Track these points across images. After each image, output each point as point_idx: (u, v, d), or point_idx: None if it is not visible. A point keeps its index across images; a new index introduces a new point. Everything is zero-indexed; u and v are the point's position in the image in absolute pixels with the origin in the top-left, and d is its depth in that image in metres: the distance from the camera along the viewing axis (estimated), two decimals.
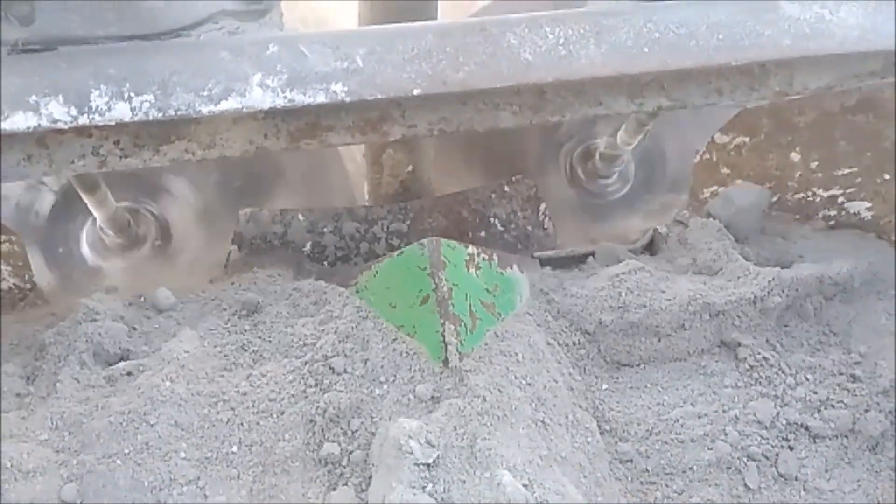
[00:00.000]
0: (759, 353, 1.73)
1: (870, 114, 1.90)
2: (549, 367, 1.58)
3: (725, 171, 2.15)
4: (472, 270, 1.61)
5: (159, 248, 2.33)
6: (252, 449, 1.46)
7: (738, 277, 1.80)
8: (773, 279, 1.77)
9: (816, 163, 2.00)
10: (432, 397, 1.46)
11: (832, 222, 2.05)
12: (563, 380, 1.58)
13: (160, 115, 1.25)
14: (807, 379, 1.72)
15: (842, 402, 1.67)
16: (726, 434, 1.60)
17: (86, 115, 1.24)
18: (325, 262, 2.02)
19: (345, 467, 1.43)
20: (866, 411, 1.65)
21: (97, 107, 1.24)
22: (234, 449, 1.46)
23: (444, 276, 1.52)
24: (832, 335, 1.84)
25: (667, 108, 1.50)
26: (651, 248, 2.03)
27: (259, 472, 1.43)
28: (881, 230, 1.99)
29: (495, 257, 1.68)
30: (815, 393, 1.68)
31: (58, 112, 1.24)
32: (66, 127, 1.24)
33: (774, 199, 2.10)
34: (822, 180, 2.02)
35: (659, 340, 1.73)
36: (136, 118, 1.25)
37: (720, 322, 1.75)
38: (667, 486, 1.57)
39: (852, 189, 2.00)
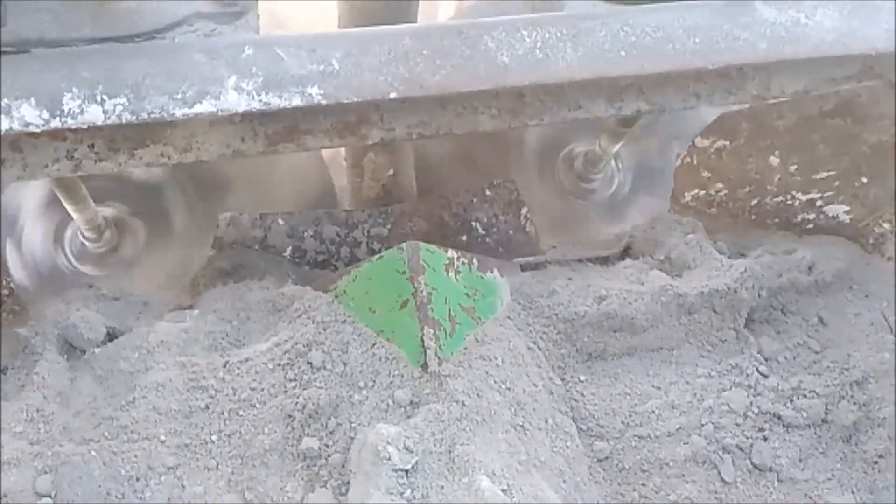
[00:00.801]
0: (730, 345, 1.75)
1: (848, 118, 1.91)
2: (529, 371, 1.57)
3: (706, 174, 2.16)
4: (452, 275, 1.60)
5: (140, 252, 2.31)
6: (231, 440, 1.46)
7: (712, 270, 1.81)
8: (745, 271, 1.78)
9: (795, 166, 2.01)
10: (411, 402, 1.45)
11: (810, 226, 2.06)
12: (542, 384, 1.58)
13: (133, 118, 1.24)
14: (779, 369, 1.74)
15: (814, 391, 1.68)
16: (701, 427, 1.61)
17: (58, 119, 1.23)
18: (306, 267, 2.01)
19: (323, 465, 1.43)
20: (839, 401, 1.66)
21: (70, 110, 1.23)
22: (213, 438, 1.46)
23: (423, 280, 1.51)
24: (805, 326, 1.86)
25: (645, 112, 1.50)
26: (628, 252, 2.03)
27: (238, 463, 1.43)
28: (859, 234, 2.01)
29: (475, 261, 1.68)
30: (787, 382, 1.70)
31: (30, 115, 1.22)
32: (38, 130, 1.23)
33: (754, 202, 2.10)
34: (800, 184, 2.03)
35: (633, 332, 1.74)
36: (108, 121, 1.23)
37: (692, 314, 1.76)
38: (643, 485, 1.57)
39: (830, 193, 2.01)
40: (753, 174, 2.08)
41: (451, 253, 1.63)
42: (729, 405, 1.64)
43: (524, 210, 2.14)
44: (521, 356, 1.58)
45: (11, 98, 1.23)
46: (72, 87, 1.23)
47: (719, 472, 1.58)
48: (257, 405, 1.50)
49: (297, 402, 1.48)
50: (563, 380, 1.68)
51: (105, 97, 1.24)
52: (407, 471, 1.31)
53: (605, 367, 1.73)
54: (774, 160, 2.04)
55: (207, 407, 1.49)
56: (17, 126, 1.21)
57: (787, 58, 1.44)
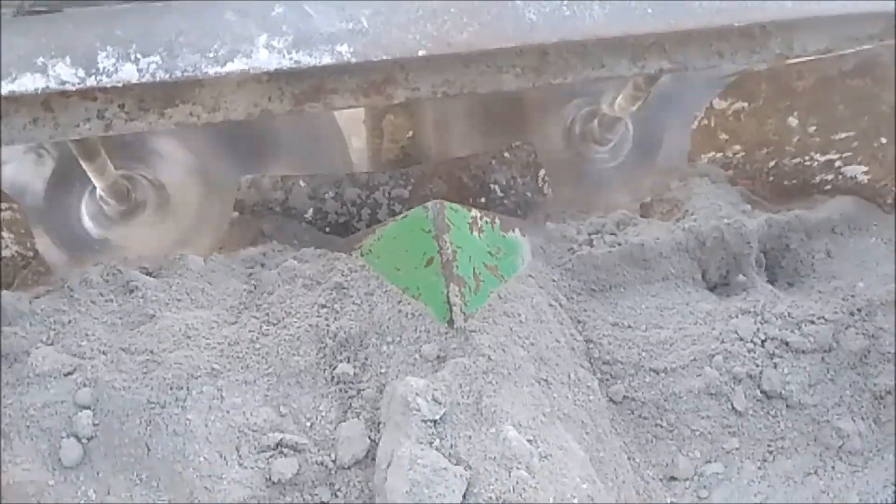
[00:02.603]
0: (739, 277, 1.80)
1: (867, 78, 1.91)
2: (552, 327, 1.60)
3: (724, 136, 2.16)
4: (476, 233, 1.63)
5: (160, 213, 2.33)
6: (267, 358, 1.52)
7: (727, 223, 1.87)
8: (755, 210, 1.87)
9: (814, 127, 2.02)
10: (438, 357, 1.49)
11: (828, 187, 2.07)
12: (564, 340, 1.61)
13: (167, 76, 1.25)
14: (787, 298, 1.78)
15: (822, 317, 1.72)
16: (712, 358, 1.65)
17: (93, 77, 1.25)
18: (327, 229, 2.03)
19: (356, 396, 1.49)
20: (846, 328, 1.71)
21: (104, 68, 1.25)
22: (250, 354, 1.53)
23: (448, 238, 1.54)
24: (812, 261, 1.91)
25: (668, 71, 1.51)
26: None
27: (273, 380, 1.49)
28: (877, 194, 2.02)
29: (498, 220, 1.70)
30: (795, 309, 1.74)
31: (65, 74, 1.24)
32: (73, 89, 1.25)
33: (772, 163, 2.11)
34: (819, 145, 2.04)
35: (646, 266, 1.80)
36: (143, 80, 1.25)
37: (704, 251, 1.82)
38: (658, 424, 1.61)
39: (849, 153, 2.02)
40: (771, 135, 2.08)
41: (475, 212, 1.65)
42: (737, 332, 1.69)
43: (542, 172, 2.15)
44: (544, 313, 1.61)
45: (47, 56, 1.24)
46: (106, 46, 1.25)
47: (732, 403, 1.62)
48: (290, 327, 1.56)
49: (328, 329, 1.55)
50: (578, 320, 1.72)
51: (139, 55, 1.25)
52: (436, 421, 1.35)
53: (619, 300, 1.78)
54: (793, 121, 2.05)
55: (242, 324, 1.56)
56: (53, 84, 1.23)
57: (812, 15, 1.44)
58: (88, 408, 1.39)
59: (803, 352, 1.68)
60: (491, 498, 1.26)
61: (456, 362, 1.43)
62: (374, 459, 1.41)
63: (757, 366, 1.66)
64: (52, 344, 1.51)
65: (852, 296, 1.77)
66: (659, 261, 1.81)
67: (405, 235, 1.61)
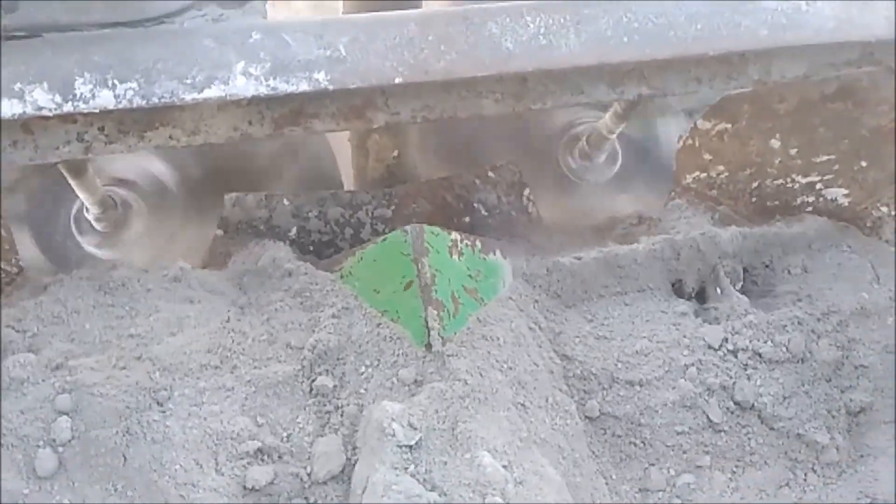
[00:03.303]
0: (715, 290, 1.84)
1: (848, 101, 1.92)
2: (531, 350, 1.61)
3: (707, 156, 2.17)
4: (455, 256, 1.63)
5: (147, 231, 2.33)
6: (245, 368, 1.54)
7: (701, 233, 1.90)
8: (738, 235, 1.88)
9: (796, 149, 2.03)
10: (415, 381, 1.49)
11: (809, 209, 2.08)
12: (543, 363, 1.61)
13: (144, 102, 1.26)
14: (760, 307, 1.81)
15: (795, 326, 1.74)
16: (686, 371, 1.66)
17: (70, 103, 1.25)
18: (311, 247, 2.04)
19: (334, 412, 1.50)
20: (818, 338, 1.73)
21: (81, 94, 1.26)
22: (228, 364, 1.54)
23: (427, 262, 1.54)
24: (787, 275, 1.92)
25: (647, 96, 1.52)
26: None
27: (251, 390, 1.50)
28: (857, 216, 2.03)
29: (478, 243, 1.71)
30: (769, 321, 1.76)
31: (42, 99, 1.25)
32: (50, 114, 1.25)
33: (755, 184, 2.12)
34: (800, 167, 2.05)
35: (620, 277, 1.82)
36: (119, 105, 1.26)
37: (679, 262, 1.85)
38: (633, 443, 1.63)
39: (830, 176, 2.03)
40: (754, 157, 2.09)
41: (455, 235, 1.66)
42: (710, 343, 1.71)
43: (527, 191, 2.16)
44: (523, 336, 1.61)
45: (25, 82, 1.25)
46: (83, 72, 1.26)
47: (707, 416, 1.63)
48: (269, 339, 1.58)
49: (307, 342, 1.56)
50: (553, 330, 1.73)
51: (116, 82, 1.26)
52: (411, 447, 1.35)
53: (594, 310, 1.79)
54: (775, 143, 2.06)
55: (222, 334, 1.58)
56: (30, 110, 1.24)
57: (788, 44, 1.46)
58: (67, 414, 1.40)
59: (776, 362, 1.69)
60: None
61: (433, 387, 1.44)
62: (349, 476, 1.41)
63: (730, 377, 1.67)
64: (30, 350, 1.52)
65: (827, 307, 1.79)
66: (634, 270, 1.83)
67: (384, 258, 1.61)
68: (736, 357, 1.71)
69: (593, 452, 1.60)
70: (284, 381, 1.52)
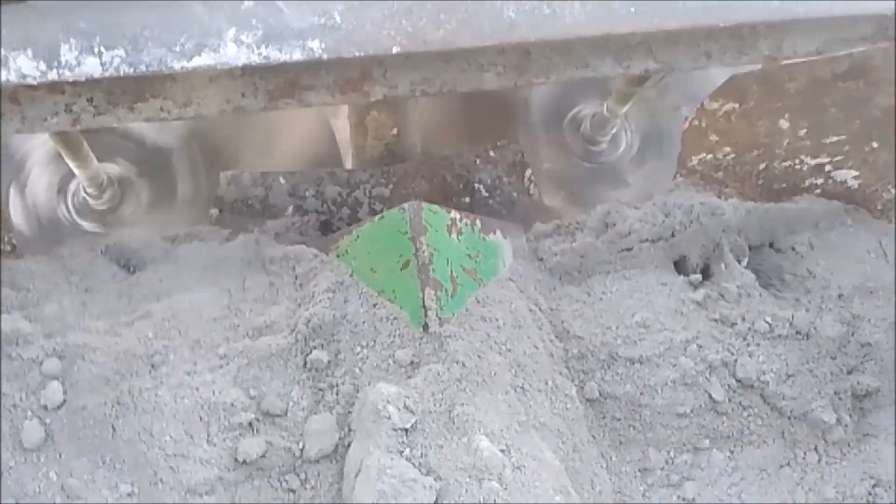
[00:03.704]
0: (719, 266, 1.79)
1: (860, 80, 1.87)
2: (530, 333, 1.57)
3: (714, 138, 2.12)
4: (454, 235, 1.59)
5: (142, 207, 2.30)
6: (238, 340, 1.51)
7: (702, 203, 1.86)
8: (742, 210, 1.84)
9: (805, 130, 1.98)
10: (412, 362, 1.45)
11: (818, 191, 2.03)
12: (543, 346, 1.57)
13: (131, 70, 1.21)
14: (764, 286, 1.77)
15: (798, 299, 1.71)
16: (686, 347, 1.62)
17: (55, 70, 1.21)
18: (307, 226, 1.99)
19: (329, 390, 1.47)
20: (822, 313, 1.69)
21: (67, 61, 1.21)
22: (222, 335, 1.51)
23: (425, 240, 1.50)
24: (793, 254, 1.88)
25: (654, 71, 1.47)
26: None
27: (244, 362, 1.47)
28: (867, 199, 1.98)
29: (478, 222, 1.66)
30: (774, 297, 1.73)
31: (26, 67, 1.20)
32: (34, 82, 1.21)
33: (762, 166, 2.07)
34: (810, 148, 2.00)
35: (621, 253, 1.78)
36: (106, 73, 1.21)
37: (682, 236, 1.80)
38: (632, 426, 1.59)
39: (840, 157, 1.98)
40: (762, 138, 2.04)
41: (454, 213, 1.61)
42: (711, 317, 1.67)
43: (528, 172, 2.11)
44: (523, 318, 1.57)
45: (8, 49, 1.20)
46: (69, 38, 1.21)
47: (709, 394, 1.59)
48: (263, 311, 1.56)
49: (301, 315, 1.52)
50: (550, 307, 1.69)
51: (102, 49, 1.21)
52: (406, 430, 1.31)
53: (593, 284, 1.75)
54: (784, 123, 2.01)
55: (216, 305, 1.56)
56: (13, 78, 1.19)
57: (801, 17, 1.40)
58: (57, 378, 1.37)
59: (780, 338, 1.66)
60: None
61: (429, 369, 1.40)
62: (341, 456, 1.39)
63: (732, 353, 1.64)
64: (23, 310, 1.49)
65: (832, 284, 1.76)
66: (636, 245, 1.79)
67: (381, 237, 1.57)
68: (738, 333, 1.67)
69: (593, 437, 1.56)
70: (278, 354, 1.49)
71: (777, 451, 1.64)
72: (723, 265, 1.79)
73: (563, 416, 1.49)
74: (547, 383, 1.51)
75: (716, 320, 1.67)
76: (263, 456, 1.38)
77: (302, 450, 1.40)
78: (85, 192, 2.23)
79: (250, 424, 1.40)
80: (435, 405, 1.36)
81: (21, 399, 1.37)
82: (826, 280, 1.77)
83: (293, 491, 1.39)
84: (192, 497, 1.33)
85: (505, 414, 1.39)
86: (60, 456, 1.33)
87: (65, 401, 1.36)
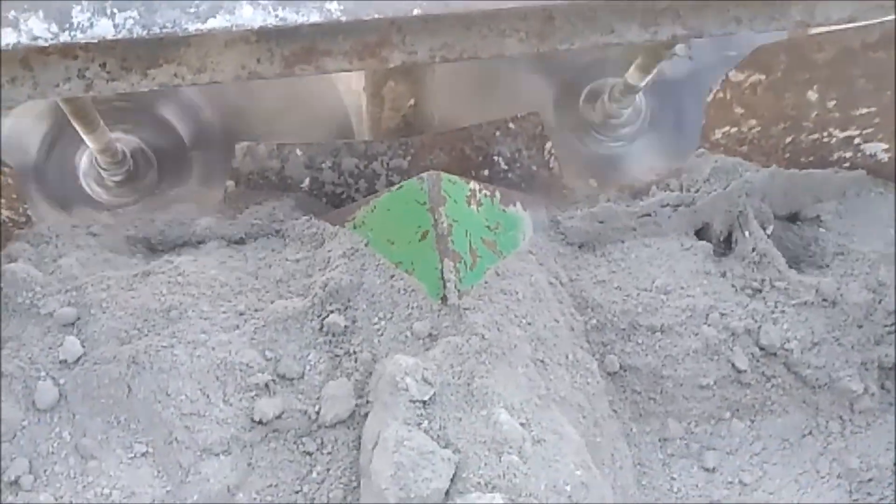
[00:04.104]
0: (744, 233, 1.75)
1: (891, 50, 1.81)
2: (551, 306, 1.54)
3: (739, 110, 2.07)
4: (474, 206, 1.56)
5: (157, 180, 2.28)
6: (253, 301, 1.51)
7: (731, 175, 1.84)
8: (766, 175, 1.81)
9: (834, 102, 1.92)
10: (430, 335, 1.43)
11: (847, 164, 1.98)
12: (563, 319, 1.54)
13: (144, 32, 1.19)
14: (787, 252, 1.75)
15: (824, 266, 1.69)
16: (708, 315, 1.59)
17: (67, 32, 1.18)
18: (324, 199, 1.97)
19: (347, 357, 1.46)
20: (848, 280, 1.66)
21: (79, 23, 1.18)
22: (238, 296, 1.51)
23: (443, 211, 1.47)
24: (818, 220, 1.85)
25: (682, 38, 1.43)
26: None
27: (260, 324, 1.47)
28: None
29: (497, 194, 1.63)
30: (797, 264, 1.71)
31: (38, 28, 1.18)
32: (46, 44, 1.18)
33: (789, 139, 2.02)
34: (838, 120, 1.94)
35: (641, 220, 1.76)
36: (119, 36, 1.18)
37: (705, 203, 1.78)
38: (652, 398, 1.58)
39: (870, 130, 1.93)
40: (789, 110, 1.99)
41: (473, 184, 1.58)
42: (730, 281, 1.65)
43: (548, 145, 2.07)
44: (543, 291, 1.54)
45: (19, 11, 1.18)
46: (81, 0, 1.18)
47: (733, 364, 1.56)
48: (279, 276, 1.56)
49: (317, 280, 1.52)
50: (570, 277, 1.67)
51: (115, 10, 1.19)
52: (424, 402, 1.29)
53: (613, 252, 1.73)
54: (812, 95, 1.95)
55: (232, 268, 1.57)
56: (25, 40, 1.17)
57: None
58: (72, 326, 1.38)
59: (805, 304, 1.62)
60: (480, 483, 1.21)
61: (448, 341, 1.38)
62: (357, 423, 1.38)
63: (755, 321, 1.60)
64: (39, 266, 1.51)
65: (859, 251, 1.73)
66: (656, 211, 1.77)
67: (399, 207, 1.54)
68: (762, 300, 1.64)
69: (614, 411, 1.53)
70: (294, 317, 1.47)
71: (799, 420, 1.61)
72: (747, 232, 1.74)
73: (584, 391, 1.47)
74: (567, 357, 1.48)
75: (739, 287, 1.65)
76: (279, 417, 1.37)
77: (318, 413, 1.39)
78: (98, 164, 2.21)
79: (266, 386, 1.40)
80: (453, 377, 1.33)
81: (36, 354, 1.36)
82: (852, 247, 1.74)
83: (310, 454, 1.38)
84: (208, 456, 1.33)
85: (525, 387, 1.36)
86: (74, 416, 1.33)
87: (83, 354, 1.35)
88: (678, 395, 1.57)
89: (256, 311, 1.48)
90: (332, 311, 1.48)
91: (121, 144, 2.19)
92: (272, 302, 1.50)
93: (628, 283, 1.64)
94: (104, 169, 2.21)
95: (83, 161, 2.29)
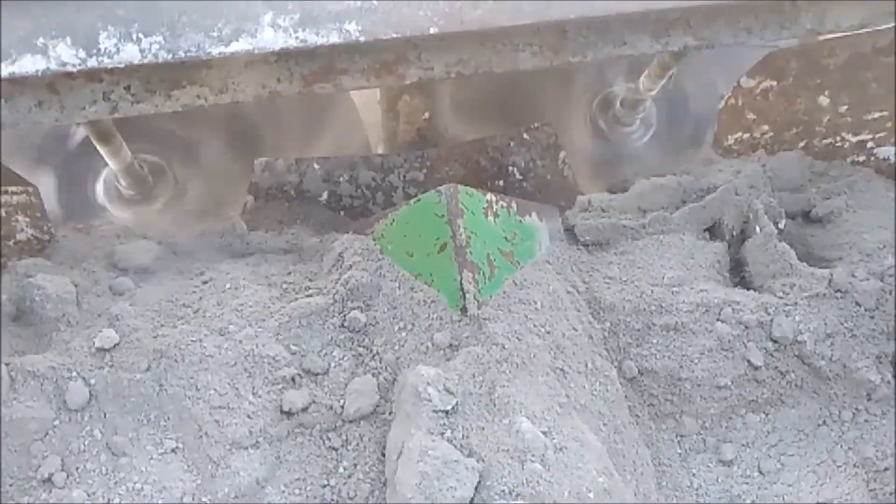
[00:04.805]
0: (749, 228, 1.79)
1: None
2: (569, 315, 1.55)
3: (751, 116, 2.08)
4: (491, 218, 1.58)
5: (174, 199, 2.31)
6: (277, 298, 1.56)
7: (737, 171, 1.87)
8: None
9: (846, 106, 1.94)
10: (450, 345, 1.45)
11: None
12: (582, 328, 1.56)
13: (170, 56, 1.22)
14: (796, 243, 1.77)
15: (837, 259, 1.69)
16: (721, 310, 1.61)
17: (94, 58, 1.22)
18: (342, 212, 2.00)
19: (370, 355, 1.49)
20: (856, 267, 1.67)
21: (106, 49, 1.22)
22: (262, 293, 1.56)
23: (461, 223, 1.49)
24: (831, 213, 1.88)
25: (693, 48, 1.45)
26: None
27: (284, 320, 1.50)
28: None
29: (514, 205, 1.65)
30: (807, 256, 1.72)
31: (66, 55, 1.21)
32: (74, 70, 1.22)
33: (801, 144, 2.03)
34: (851, 125, 1.95)
35: (650, 219, 1.79)
36: (145, 60, 1.22)
37: (714, 200, 1.80)
38: (670, 401, 1.59)
39: (882, 134, 1.94)
40: (801, 115, 2.00)
41: (490, 196, 1.60)
42: (742, 274, 1.68)
43: (562, 155, 2.09)
44: (561, 300, 1.56)
45: (48, 38, 1.21)
46: (107, 26, 1.22)
47: (748, 361, 1.58)
48: (301, 276, 1.62)
49: (339, 278, 1.56)
50: (583, 281, 1.69)
51: (141, 35, 1.22)
52: (447, 412, 1.31)
53: (624, 250, 1.76)
54: (824, 100, 1.96)
55: (255, 272, 1.64)
56: (53, 66, 1.20)
57: None
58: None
59: (817, 296, 1.63)
60: (504, 491, 1.22)
61: (469, 351, 1.39)
62: (381, 419, 1.41)
63: (768, 313, 1.62)
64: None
65: (866, 242, 1.75)
66: (666, 209, 1.80)
67: (418, 220, 1.56)
68: (774, 293, 1.65)
69: (635, 416, 1.55)
70: (317, 313, 1.51)
71: (812, 410, 1.62)
72: (758, 228, 1.76)
73: (604, 398, 1.48)
74: (587, 365, 1.50)
75: (751, 282, 1.67)
76: (307, 410, 1.40)
77: (342, 408, 1.42)
78: (118, 183, 2.25)
79: (293, 379, 1.43)
80: (475, 387, 1.35)
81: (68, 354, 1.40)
82: (861, 237, 1.76)
83: (335, 449, 1.41)
84: (237, 450, 1.36)
85: (545, 396, 1.38)
86: (105, 415, 1.35)
87: (117, 345, 1.41)
88: (696, 396, 1.58)
89: (280, 305, 1.52)
90: (353, 309, 1.52)
91: (141, 164, 2.23)
92: (295, 299, 1.54)
93: (640, 278, 1.67)
94: (123, 186, 2.24)
95: (102, 179, 2.33)
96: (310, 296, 1.56)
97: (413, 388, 1.32)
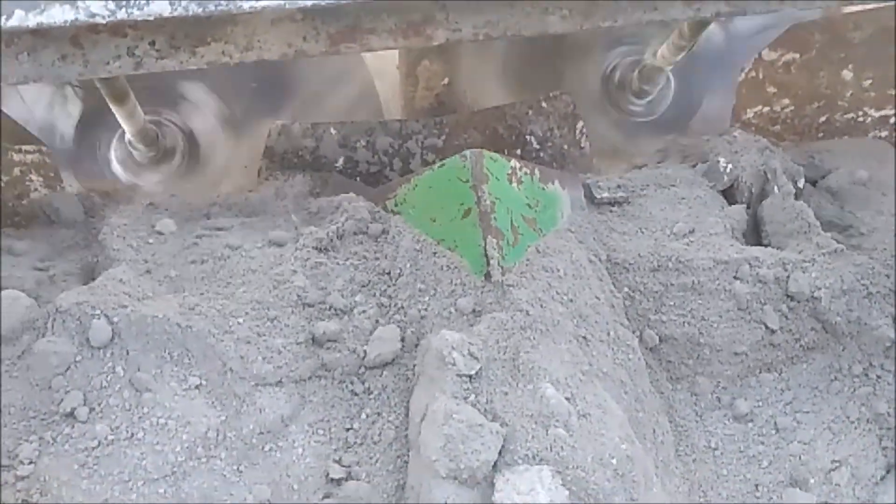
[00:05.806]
0: (767, 187, 1.82)
1: None
2: (591, 284, 1.55)
3: (772, 90, 2.06)
4: (515, 184, 1.57)
5: (189, 160, 2.29)
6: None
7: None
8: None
9: (870, 81, 1.92)
10: (473, 311, 1.44)
11: None
12: (604, 297, 1.55)
13: (200, 10, 1.20)
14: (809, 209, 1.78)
15: (853, 219, 1.72)
16: (738, 268, 1.62)
17: (123, 10, 1.19)
18: (358, 178, 1.98)
19: (395, 308, 1.50)
20: (872, 231, 1.70)
21: (135, 1, 1.19)
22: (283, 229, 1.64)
23: (486, 188, 1.48)
24: (851, 183, 1.89)
25: (725, 14, 1.43)
26: None
27: (306, 251, 1.53)
28: None
29: (537, 172, 1.64)
30: (826, 217, 1.76)
31: (95, 6, 1.19)
32: (103, 21, 1.19)
33: (823, 119, 2.02)
34: (874, 99, 1.94)
35: (668, 187, 1.82)
36: (175, 13, 1.19)
37: (731, 171, 1.83)
38: (685, 364, 1.60)
39: None
40: (823, 89, 1.99)
41: (514, 162, 1.59)
42: (758, 230, 1.71)
43: (580, 124, 2.07)
44: (583, 269, 1.56)
45: None
46: None
47: (765, 324, 1.59)
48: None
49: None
50: (602, 242, 1.70)
51: None
52: (471, 376, 1.31)
53: (638, 212, 1.77)
54: (847, 74, 1.95)
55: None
56: (83, 17, 1.18)
57: None
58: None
59: (834, 252, 1.64)
60: (528, 455, 1.22)
61: (493, 317, 1.39)
62: (401, 368, 1.43)
63: (785, 270, 1.62)
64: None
65: (880, 200, 1.78)
66: (683, 177, 1.83)
67: (442, 185, 1.55)
68: (792, 249, 1.67)
69: (655, 380, 1.55)
70: (338, 247, 1.57)
71: (823, 364, 1.63)
72: (776, 186, 1.76)
73: (626, 367, 1.48)
74: (609, 334, 1.50)
75: (768, 241, 1.69)
76: (334, 344, 1.42)
77: (365, 352, 1.43)
78: (132, 147, 2.22)
79: (321, 312, 1.45)
80: (499, 352, 1.35)
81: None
82: (876, 196, 1.79)
83: (357, 395, 1.42)
84: (263, 387, 1.36)
85: (568, 363, 1.38)
86: (128, 353, 1.34)
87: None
88: (713, 360, 1.60)
89: (304, 240, 1.56)
90: (377, 255, 1.57)
91: (153, 126, 2.21)
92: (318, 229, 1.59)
93: (654, 230, 1.70)
94: (138, 150, 2.22)
95: (114, 145, 2.31)
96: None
97: (437, 353, 1.31)
